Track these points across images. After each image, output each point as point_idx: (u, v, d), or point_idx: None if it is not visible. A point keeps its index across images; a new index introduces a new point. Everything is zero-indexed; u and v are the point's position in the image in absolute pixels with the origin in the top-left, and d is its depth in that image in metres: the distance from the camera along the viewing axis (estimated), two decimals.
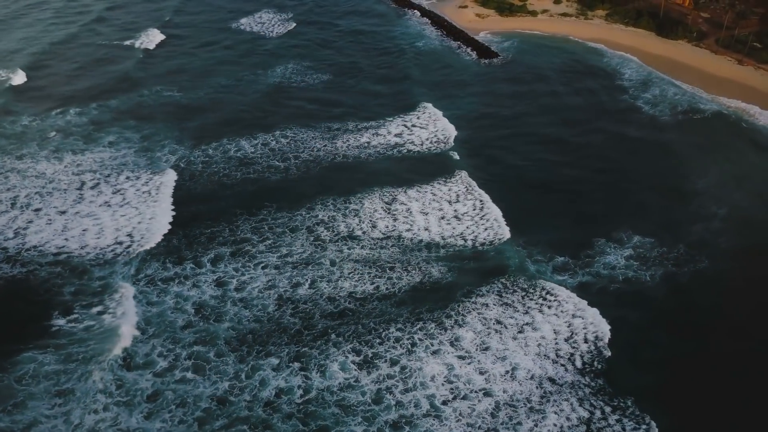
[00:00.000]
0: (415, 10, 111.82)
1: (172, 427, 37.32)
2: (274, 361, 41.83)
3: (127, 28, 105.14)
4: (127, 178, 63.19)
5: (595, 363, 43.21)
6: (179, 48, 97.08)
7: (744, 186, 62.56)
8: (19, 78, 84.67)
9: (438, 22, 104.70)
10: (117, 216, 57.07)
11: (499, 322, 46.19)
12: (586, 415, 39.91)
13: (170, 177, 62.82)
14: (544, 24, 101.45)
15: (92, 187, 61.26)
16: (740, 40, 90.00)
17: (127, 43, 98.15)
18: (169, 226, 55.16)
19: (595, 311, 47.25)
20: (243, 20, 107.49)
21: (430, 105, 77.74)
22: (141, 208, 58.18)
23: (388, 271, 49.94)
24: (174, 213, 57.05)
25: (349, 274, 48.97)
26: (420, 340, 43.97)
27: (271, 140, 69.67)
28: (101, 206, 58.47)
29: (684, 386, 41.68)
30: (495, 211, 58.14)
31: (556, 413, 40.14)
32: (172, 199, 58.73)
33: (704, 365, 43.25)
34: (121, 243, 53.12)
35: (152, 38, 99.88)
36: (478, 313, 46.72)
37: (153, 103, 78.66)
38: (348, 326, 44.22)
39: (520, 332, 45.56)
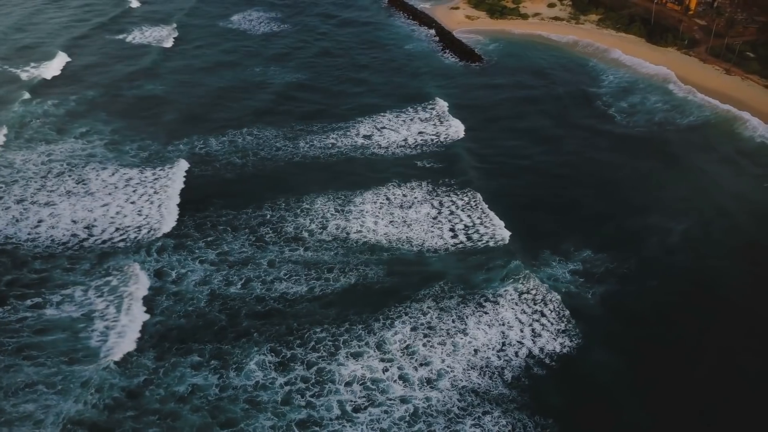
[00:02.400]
0: (406, 11, 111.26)
1: (86, 410, 38.34)
2: (196, 358, 42.19)
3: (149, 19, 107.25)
4: (93, 169, 64.68)
5: (523, 378, 42.32)
6: (177, 46, 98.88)
7: (709, 200, 60.69)
8: (33, 71, 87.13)
9: (427, 23, 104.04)
10: (78, 208, 58.41)
11: (431, 328, 45.80)
12: (507, 430, 39.27)
13: (135, 172, 64.02)
14: (533, 27, 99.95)
15: (57, 176, 62.71)
16: (732, 49, 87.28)
17: (145, 41, 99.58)
18: (124, 220, 56.21)
19: (532, 323, 46.51)
20: (234, 17, 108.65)
21: (387, 112, 76.56)
22: (105, 200, 59.46)
23: (326, 272, 49.96)
24: (129, 207, 58.07)
25: (285, 275, 49.10)
26: (345, 342, 43.87)
27: (237, 137, 70.31)
28: (62, 196, 59.93)
29: (612, 411, 40.44)
30: (447, 216, 57.64)
31: (476, 426, 39.61)
32: (127, 194, 59.74)
33: (635, 390, 41.71)
34: (76, 235, 54.30)
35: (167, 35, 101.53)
36: (410, 317, 46.36)
37: (136, 99, 79.76)
38: (272, 326, 44.34)
39: (450, 339, 45.06)
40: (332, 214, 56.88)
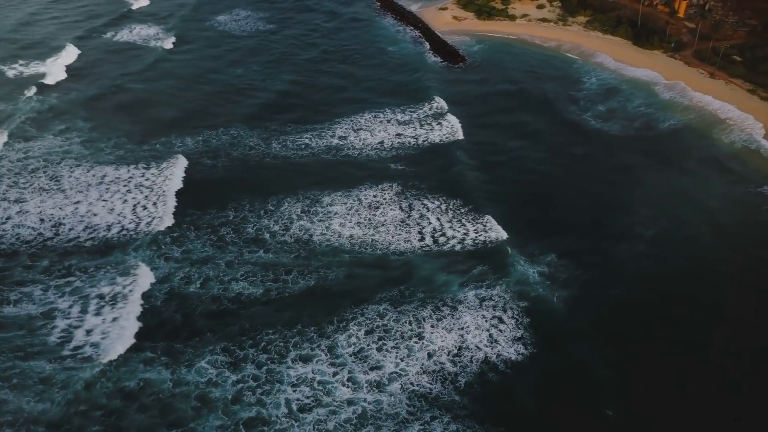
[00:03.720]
0: (395, 12, 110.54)
1: (40, 405, 39.36)
2: (148, 354, 42.62)
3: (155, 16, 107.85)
4: (68, 166, 64.98)
5: (476, 384, 42.12)
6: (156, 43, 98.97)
7: (680, 206, 59.92)
8: (23, 69, 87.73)
9: (414, 24, 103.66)
10: (48, 206, 58.73)
11: (386, 331, 45.66)
12: None
13: (105, 170, 64.34)
14: (519, 29, 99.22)
15: (32, 172, 63.33)
16: (719, 53, 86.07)
17: (138, 42, 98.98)
18: (93, 218, 56.54)
19: (489, 329, 46.21)
20: (221, 17, 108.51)
21: (367, 111, 76.23)
22: (77, 198, 59.85)
23: (284, 274, 49.98)
24: (99, 205, 58.47)
25: (243, 276, 49.32)
26: (296, 344, 43.88)
27: (212, 138, 70.42)
28: (34, 192, 60.35)
29: (562, 421, 40.17)
30: (417, 219, 57.42)
31: (423, 431, 39.40)
32: (100, 192, 60.18)
33: (588, 401, 41.32)
34: (41, 234, 54.69)
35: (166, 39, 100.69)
36: (367, 319, 46.22)
37: (121, 98, 79.47)
38: (226, 327, 44.55)
39: (405, 342, 44.83)
40: (298, 215, 56.90)
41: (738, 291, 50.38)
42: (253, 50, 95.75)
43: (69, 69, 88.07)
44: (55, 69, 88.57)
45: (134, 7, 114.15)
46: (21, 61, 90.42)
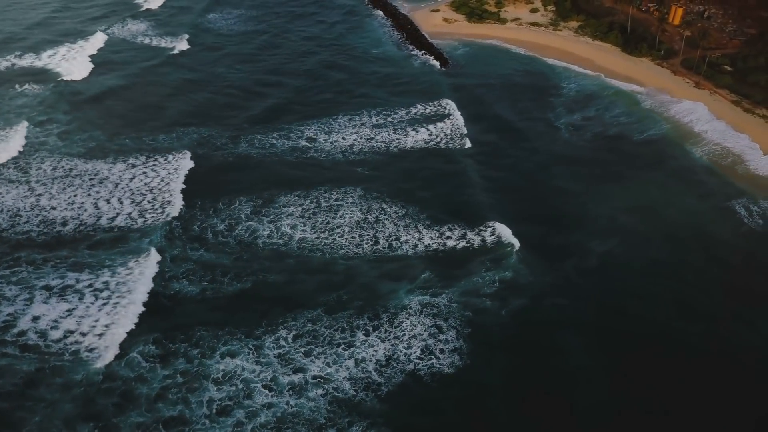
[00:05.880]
0: (386, 11, 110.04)
1: None
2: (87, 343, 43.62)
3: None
4: (40, 158, 66.60)
5: (399, 394, 41.62)
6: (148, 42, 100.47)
7: (639, 222, 58.30)
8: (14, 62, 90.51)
9: (403, 25, 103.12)
10: (10, 197, 60.25)
11: (315, 337, 45.62)
12: None
13: (74, 162, 66.02)
14: (509, 32, 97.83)
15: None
16: (709, 62, 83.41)
17: (156, 43, 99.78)
18: (51, 212, 57.89)
19: (427, 339, 45.54)
20: (210, 16, 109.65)
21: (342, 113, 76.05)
22: (39, 191, 61.49)
23: (220, 275, 50.06)
24: (62, 197, 59.91)
25: (182, 274, 50.03)
26: (224, 343, 44.35)
27: (184, 135, 71.34)
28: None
29: None
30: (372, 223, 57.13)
31: None
32: (59, 185, 61.59)
33: (512, 418, 40.60)
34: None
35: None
36: (298, 323, 46.27)
37: (106, 95, 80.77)
38: (158, 323, 45.32)
39: (333, 349, 44.78)
40: (247, 216, 57.20)
41: (707, 296, 49.89)
42: (246, 52, 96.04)
43: (68, 68, 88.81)
44: (52, 67, 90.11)
45: (145, 8, 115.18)
46: (18, 58, 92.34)
